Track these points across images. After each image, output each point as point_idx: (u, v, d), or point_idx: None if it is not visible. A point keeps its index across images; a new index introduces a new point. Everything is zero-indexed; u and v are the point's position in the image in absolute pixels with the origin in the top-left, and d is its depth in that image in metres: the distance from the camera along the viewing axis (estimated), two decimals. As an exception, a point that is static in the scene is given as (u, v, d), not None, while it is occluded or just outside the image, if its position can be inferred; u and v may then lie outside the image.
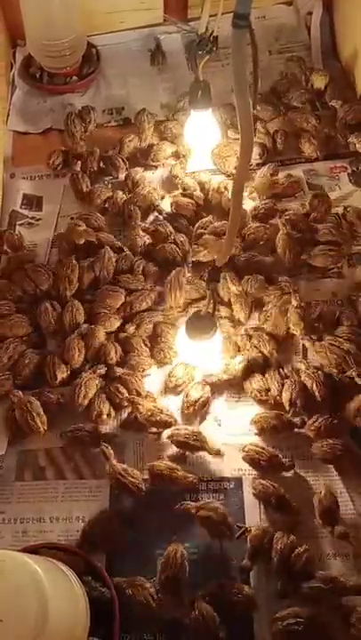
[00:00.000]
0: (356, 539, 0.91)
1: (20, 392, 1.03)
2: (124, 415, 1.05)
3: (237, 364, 1.06)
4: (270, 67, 1.49)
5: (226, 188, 1.26)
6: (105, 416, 1.02)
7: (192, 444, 0.98)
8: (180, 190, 1.30)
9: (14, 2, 1.40)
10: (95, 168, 1.35)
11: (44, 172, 1.39)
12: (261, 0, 1.56)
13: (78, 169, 1.36)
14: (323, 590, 0.85)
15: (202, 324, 0.97)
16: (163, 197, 1.30)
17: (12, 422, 1.03)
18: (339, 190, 1.29)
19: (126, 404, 1.03)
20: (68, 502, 0.98)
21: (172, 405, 1.05)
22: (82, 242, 1.19)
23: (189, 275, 1.17)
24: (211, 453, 0.98)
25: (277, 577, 0.89)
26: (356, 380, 0.99)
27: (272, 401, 1.03)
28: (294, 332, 1.07)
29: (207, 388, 1.04)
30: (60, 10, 1.38)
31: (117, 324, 1.11)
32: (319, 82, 1.42)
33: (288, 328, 1.08)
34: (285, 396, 1.02)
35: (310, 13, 1.56)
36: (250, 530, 0.92)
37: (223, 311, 1.12)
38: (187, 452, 0.99)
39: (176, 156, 1.36)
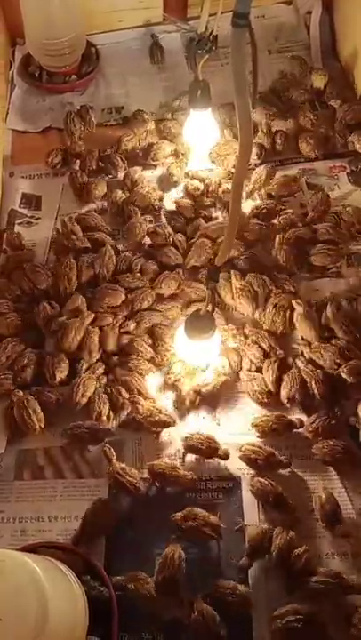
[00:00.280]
0: (356, 538, 0.92)
1: (20, 391, 1.03)
2: (124, 415, 1.04)
3: (236, 364, 1.07)
4: (270, 66, 1.49)
5: (225, 189, 1.26)
6: (104, 417, 1.02)
7: (205, 450, 0.98)
8: (180, 189, 1.30)
9: (14, 0, 1.40)
10: (94, 167, 1.35)
11: (43, 170, 1.38)
12: (261, -1, 1.57)
13: (77, 168, 1.36)
14: (330, 584, 0.85)
15: (201, 323, 0.97)
16: (161, 198, 1.29)
17: (12, 421, 1.03)
18: (338, 190, 1.29)
19: (126, 405, 1.03)
20: (67, 501, 0.98)
21: (171, 405, 1.05)
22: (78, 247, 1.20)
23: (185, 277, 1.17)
24: (223, 458, 0.98)
25: (277, 573, 0.89)
26: (347, 378, 1.00)
27: (265, 396, 1.03)
28: (310, 340, 1.07)
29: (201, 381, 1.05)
30: (59, 9, 1.37)
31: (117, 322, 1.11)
32: (319, 81, 1.43)
33: (286, 326, 1.09)
34: (284, 393, 1.02)
35: (310, 13, 1.56)
36: (246, 526, 0.92)
37: (222, 313, 1.13)
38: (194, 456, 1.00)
39: (175, 155, 1.36)
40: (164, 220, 1.26)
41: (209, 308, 0.95)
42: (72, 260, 1.16)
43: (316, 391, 1.01)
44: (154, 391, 1.07)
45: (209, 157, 1.34)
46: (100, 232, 1.24)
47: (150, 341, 1.10)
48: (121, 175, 1.34)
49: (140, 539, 0.94)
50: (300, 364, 1.05)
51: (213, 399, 1.06)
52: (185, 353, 1.05)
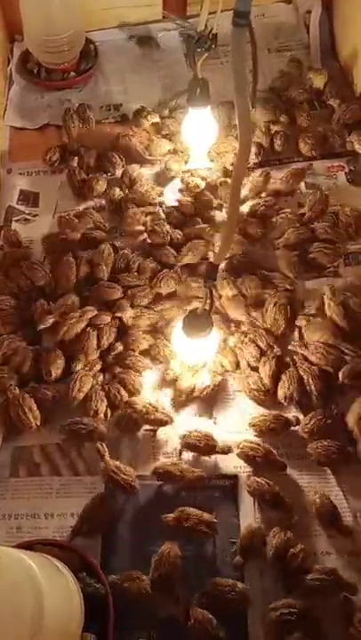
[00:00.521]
0: (352, 537, 0.92)
1: (17, 388, 1.03)
2: (120, 413, 1.04)
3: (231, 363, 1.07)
4: (269, 65, 1.49)
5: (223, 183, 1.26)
6: (101, 415, 1.02)
7: (203, 447, 0.98)
8: (178, 185, 1.31)
9: (12, -3, 1.40)
10: (92, 164, 1.35)
11: (41, 167, 1.38)
12: (261, -2, 1.57)
13: (75, 165, 1.35)
14: (326, 582, 0.86)
15: (198, 322, 0.97)
16: (160, 194, 1.29)
17: (7, 418, 1.03)
18: (336, 189, 1.30)
19: (124, 403, 1.03)
20: (63, 499, 0.98)
21: (168, 403, 1.05)
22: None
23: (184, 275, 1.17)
24: (224, 453, 0.98)
25: (272, 571, 0.89)
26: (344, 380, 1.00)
27: (262, 394, 1.03)
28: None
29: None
30: (58, 5, 1.37)
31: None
32: (318, 81, 1.43)
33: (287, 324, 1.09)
34: (281, 392, 1.02)
35: (309, 12, 1.55)
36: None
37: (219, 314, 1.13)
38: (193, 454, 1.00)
39: (174, 153, 1.36)
40: (163, 217, 1.25)
41: (207, 306, 0.95)
42: (71, 259, 1.16)
43: (312, 387, 1.02)
44: (151, 389, 1.07)
45: (208, 155, 1.34)
46: (97, 230, 1.23)
47: (148, 339, 1.10)
48: (119, 173, 1.34)
49: (136, 536, 0.94)
50: (297, 361, 1.05)
51: (210, 397, 1.06)
52: (182, 351, 1.05)
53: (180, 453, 1.00)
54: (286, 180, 1.29)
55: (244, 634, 0.86)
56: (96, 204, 1.31)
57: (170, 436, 1.02)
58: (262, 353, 1.07)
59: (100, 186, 1.30)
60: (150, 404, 1.01)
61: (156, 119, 1.40)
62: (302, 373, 1.03)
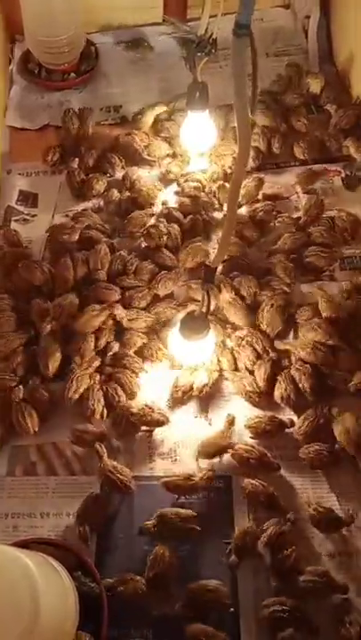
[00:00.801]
0: (345, 539, 0.93)
1: (21, 390, 1.04)
2: (117, 413, 1.05)
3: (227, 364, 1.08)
4: (267, 69, 1.50)
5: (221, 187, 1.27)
6: (98, 415, 1.02)
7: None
8: (177, 188, 1.31)
9: (14, -3, 1.40)
10: (91, 165, 1.35)
11: (41, 168, 1.38)
12: (259, 2, 1.56)
13: (75, 166, 1.36)
14: (318, 583, 0.87)
15: (195, 324, 0.97)
16: (159, 197, 1.30)
17: (6, 418, 1.03)
18: (332, 194, 1.31)
19: (121, 404, 1.04)
20: (59, 498, 0.99)
21: (164, 404, 1.06)
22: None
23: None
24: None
25: (265, 572, 0.90)
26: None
27: (257, 396, 1.04)
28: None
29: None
30: (60, 6, 1.38)
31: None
32: (315, 85, 1.44)
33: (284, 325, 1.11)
34: (278, 393, 1.03)
35: (308, 17, 1.56)
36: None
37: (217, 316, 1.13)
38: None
39: (173, 155, 1.37)
40: (163, 220, 1.25)
41: (204, 308, 0.95)
42: (68, 261, 1.16)
43: (304, 384, 1.02)
44: (147, 389, 1.07)
45: (207, 158, 1.35)
46: (95, 230, 1.24)
47: (145, 340, 1.10)
48: (118, 174, 1.34)
49: (130, 536, 0.95)
50: (292, 361, 1.06)
51: (206, 399, 1.06)
52: (179, 353, 1.05)
53: (177, 453, 1.01)
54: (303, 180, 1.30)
55: (237, 635, 0.87)
56: (94, 205, 1.31)
57: (166, 437, 1.03)
58: (259, 356, 1.08)
59: (100, 185, 1.31)
60: (146, 406, 1.02)
61: (158, 112, 1.41)
62: (294, 372, 1.04)
